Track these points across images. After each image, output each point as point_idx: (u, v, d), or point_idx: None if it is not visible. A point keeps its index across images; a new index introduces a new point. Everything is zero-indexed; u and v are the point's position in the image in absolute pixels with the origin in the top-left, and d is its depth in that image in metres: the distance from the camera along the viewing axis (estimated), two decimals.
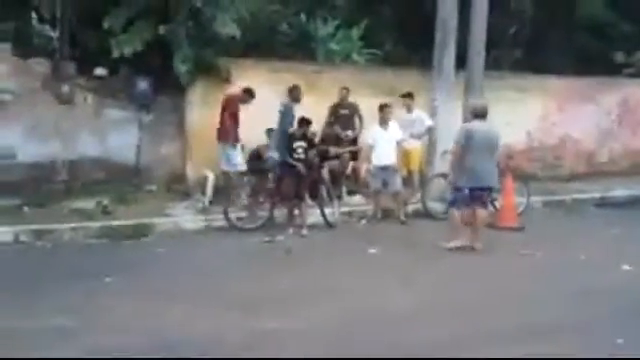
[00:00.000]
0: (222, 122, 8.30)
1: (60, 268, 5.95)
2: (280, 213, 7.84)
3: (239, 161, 8.30)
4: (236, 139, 8.24)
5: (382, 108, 8.31)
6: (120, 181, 9.01)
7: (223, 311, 4.64)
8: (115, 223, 7.43)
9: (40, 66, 9.05)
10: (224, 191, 8.13)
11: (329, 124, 9.26)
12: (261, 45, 10.27)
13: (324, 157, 8.65)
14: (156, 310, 4.66)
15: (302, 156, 7.61)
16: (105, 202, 8.09)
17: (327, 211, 7.94)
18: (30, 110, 8.87)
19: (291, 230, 7.49)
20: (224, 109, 8.30)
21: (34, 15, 10.24)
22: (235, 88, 8.74)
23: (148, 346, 3.96)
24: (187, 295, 5.06)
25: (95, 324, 4.36)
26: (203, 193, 8.47)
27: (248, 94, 8.33)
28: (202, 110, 9.27)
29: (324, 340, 4.11)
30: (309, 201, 7.83)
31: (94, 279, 5.41)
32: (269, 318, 4.47)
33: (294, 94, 8.39)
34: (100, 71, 9.40)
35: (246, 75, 9.39)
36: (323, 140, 8.99)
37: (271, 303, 4.84)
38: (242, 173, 8.32)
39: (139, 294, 5.04)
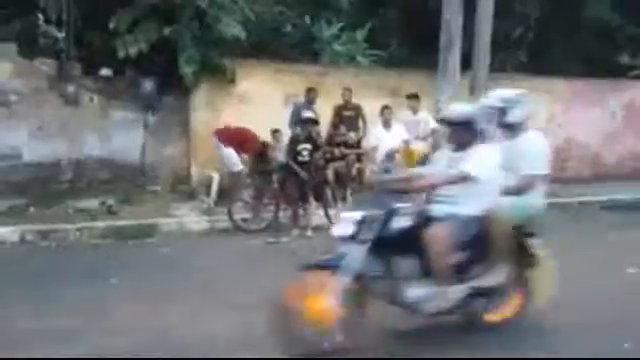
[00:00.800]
0: (230, 128, 8.41)
1: (65, 268, 5.96)
2: (284, 214, 7.84)
3: (235, 161, 8.37)
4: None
5: (382, 110, 8.35)
6: (125, 181, 9.05)
7: (227, 312, 4.63)
8: (120, 223, 7.46)
9: (46, 66, 9.10)
10: (229, 192, 8.15)
11: (334, 126, 9.26)
12: (266, 47, 10.29)
13: (329, 158, 8.64)
14: (160, 310, 4.66)
15: (307, 159, 7.59)
16: (110, 202, 8.13)
17: (332, 212, 7.94)
18: (36, 110, 8.92)
19: (295, 231, 7.49)
20: (241, 136, 8.37)
21: (40, 16, 10.27)
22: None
23: (152, 346, 3.96)
24: (191, 296, 5.06)
25: (99, 324, 4.37)
26: (208, 194, 8.49)
27: (264, 147, 8.45)
28: (207, 111, 9.29)
29: None
30: (314, 202, 7.83)
31: (99, 279, 5.43)
32: None
33: (308, 96, 8.49)
34: (105, 72, 9.46)
35: (251, 77, 9.42)
36: (328, 143, 8.98)
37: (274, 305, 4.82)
38: (246, 173, 8.38)
39: (143, 294, 5.04)
